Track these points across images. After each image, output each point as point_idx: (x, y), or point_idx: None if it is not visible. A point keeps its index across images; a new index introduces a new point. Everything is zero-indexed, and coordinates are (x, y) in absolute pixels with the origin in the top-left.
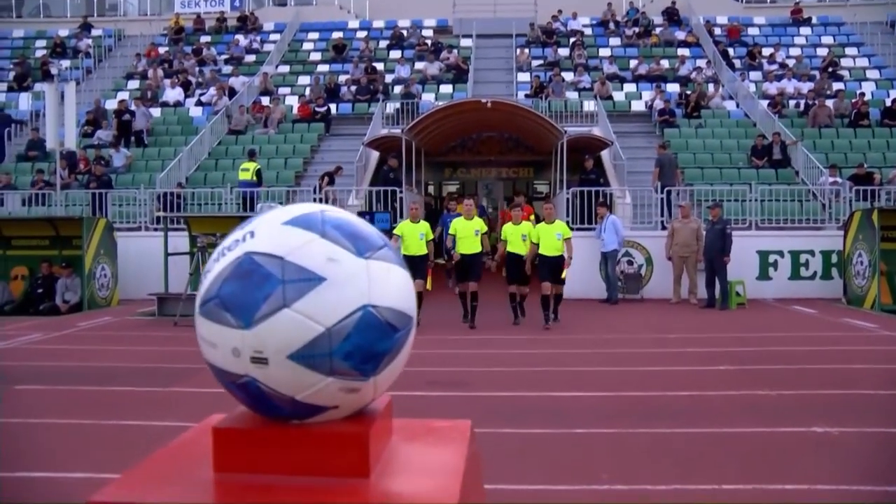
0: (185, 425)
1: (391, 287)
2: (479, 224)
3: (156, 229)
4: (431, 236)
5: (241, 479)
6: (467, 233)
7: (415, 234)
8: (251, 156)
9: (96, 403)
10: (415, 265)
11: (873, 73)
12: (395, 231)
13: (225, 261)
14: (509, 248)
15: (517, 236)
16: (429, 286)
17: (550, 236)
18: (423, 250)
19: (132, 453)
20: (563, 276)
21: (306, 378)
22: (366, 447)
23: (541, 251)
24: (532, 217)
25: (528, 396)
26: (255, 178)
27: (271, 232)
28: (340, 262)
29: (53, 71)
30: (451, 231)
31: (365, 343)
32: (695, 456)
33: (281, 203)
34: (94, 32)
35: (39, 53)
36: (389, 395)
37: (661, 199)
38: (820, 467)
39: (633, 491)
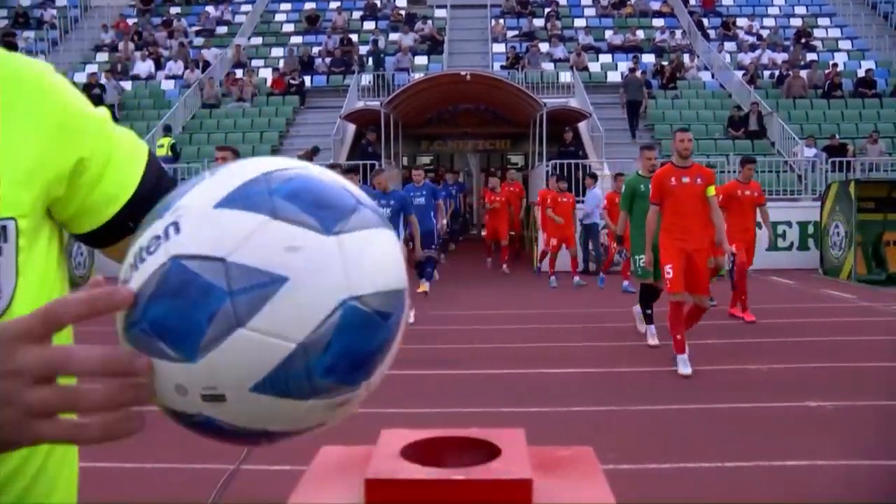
0: None
1: (375, 263)
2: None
3: None
4: None
5: None
6: None
7: None
8: (166, 131)
9: None
10: None
11: (845, 44)
12: None
13: (146, 269)
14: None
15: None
16: None
17: None
18: None
19: (121, 443)
20: None
21: (278, 407)
22: (530, 494)
23: None
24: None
25: (516, 374)
26: (170, 152)
27: (202, 221)
28: (304, 250)
29: (20, 44)
30: None
31: (350, 347)
32: (693, 433)
33: None
34: (59, 2)
35: (0, 24)
36: (522, 429)
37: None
38: (818, 443)
39: (640, 470)
